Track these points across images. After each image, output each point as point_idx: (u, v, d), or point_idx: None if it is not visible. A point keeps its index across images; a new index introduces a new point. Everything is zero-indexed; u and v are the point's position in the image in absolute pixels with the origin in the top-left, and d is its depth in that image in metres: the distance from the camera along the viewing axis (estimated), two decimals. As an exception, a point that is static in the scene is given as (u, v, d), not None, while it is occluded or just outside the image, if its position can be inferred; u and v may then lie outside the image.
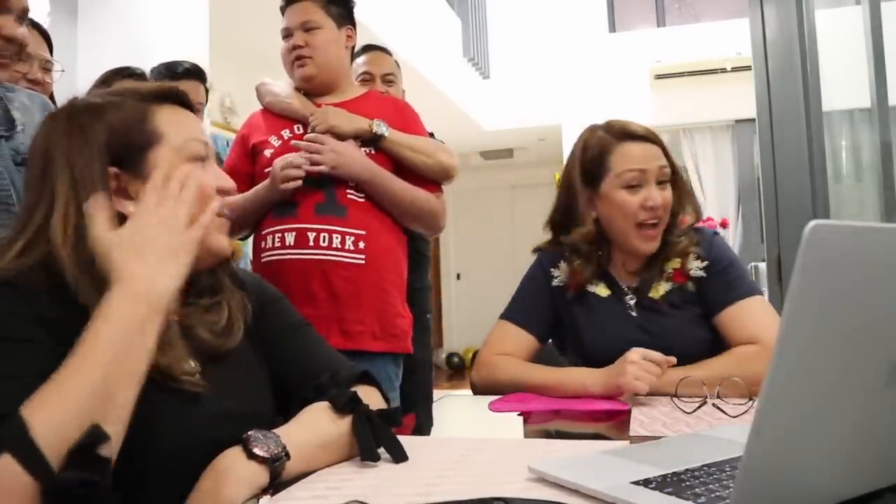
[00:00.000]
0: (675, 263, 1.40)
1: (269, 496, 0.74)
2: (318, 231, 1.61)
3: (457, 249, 9.13)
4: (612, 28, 6.93)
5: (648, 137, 1.41)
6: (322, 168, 1.62)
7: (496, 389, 1.38)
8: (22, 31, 1.35)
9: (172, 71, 2.27)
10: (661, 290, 1.40)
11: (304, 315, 1.57)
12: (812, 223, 0.48)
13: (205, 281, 0.93)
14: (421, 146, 1.75)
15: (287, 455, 0.77)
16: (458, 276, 9.22)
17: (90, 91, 0.97)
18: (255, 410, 0.91)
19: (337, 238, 1.61)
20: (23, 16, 1.36)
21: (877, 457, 0.62)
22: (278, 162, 1.64)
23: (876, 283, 0.54)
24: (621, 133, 1.41)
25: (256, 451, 0.75)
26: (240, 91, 4.68)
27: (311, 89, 1.77)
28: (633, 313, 1.41)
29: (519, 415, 1.24)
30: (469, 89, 6.45)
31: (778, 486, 0.54)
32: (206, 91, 2.35)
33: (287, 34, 1.75)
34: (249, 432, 0.77)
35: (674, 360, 1.21)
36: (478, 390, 1.43)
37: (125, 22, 3.12)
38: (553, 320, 1.48)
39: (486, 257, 8.98)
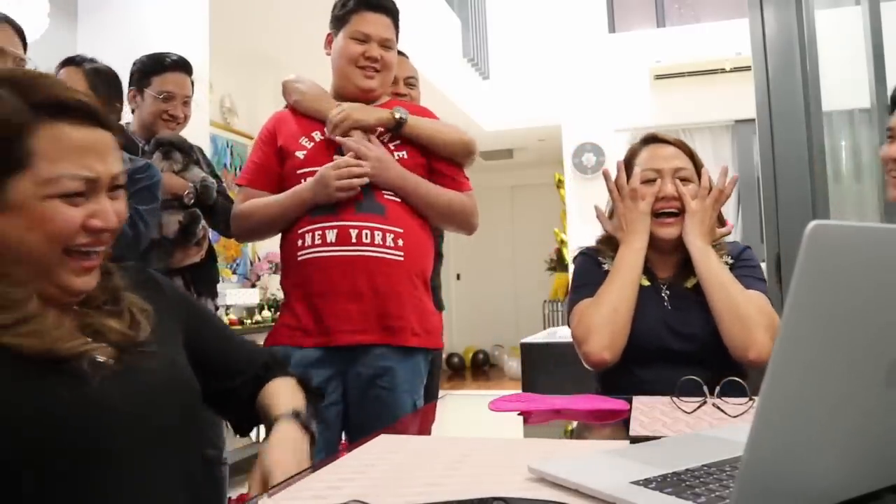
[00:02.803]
0: None
1: (267, 496, 0.75)
2: (360, 228, 1.63)
3: (457, 249, 9.12)
4: (612, 28, 6.92)
5: (670, 141, 1.57)
6: (365, 178, 1.66)
7: (611, 340, 1.42)
8: None
9: (159, 62, 2.20)
10: (692, 280, 1.51)
11: (349, 311, 1.64)
12: (812, 223, 0.48)
13: (102, 289, 0.90)
14: (440, 127, 1.79)
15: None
16: (458, 277, 9.21)
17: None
18: (178, 385, 0.92)
19: (378, 235, 1.64)
20: None
21: (877, 457, 0.62)
22: (331, 168, 1.65)
23: (876, 282, 0.54)
24: (647, 138, 1.60)
25: (313, 428, 0.97)
26: (240, 91, 4.68)
27: (362, 99, 1.79)
28: (667, 304, 1.51)
29: (519, 415, 1.24)
30: (469, 89, 6.45)
31: (778, 487, 0.54)
32: (192, 84, 2.32)
33: (364, 39, 1.75)
34: (299, 411, 0.98)
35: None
36: (605, 359, 1.43)
37: (125, 22, 3.13)
38: None
39: (485, 257, 8.97)
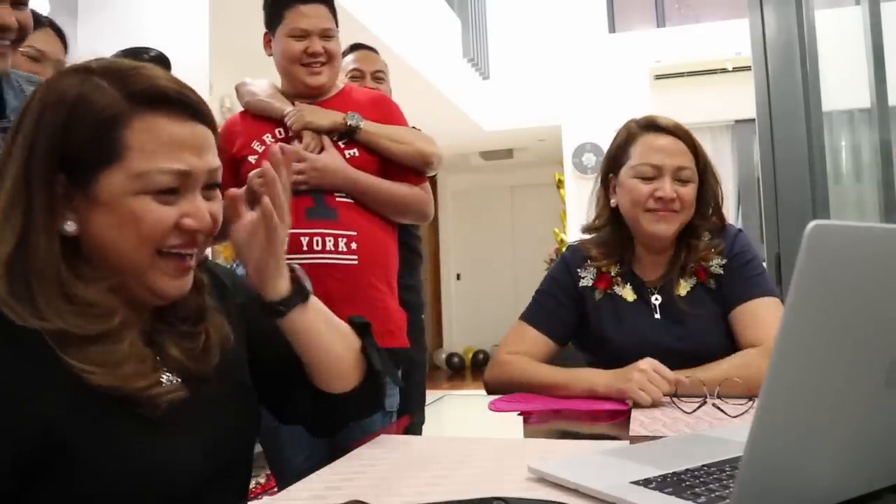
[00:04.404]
0: (697, 254, 1.40)
1: (268, 496, 0.75)
2: (311, 235, 1.61)
3: (457, 249, 9.13)
4: (612, 28, 6.92)
5: (673, 132, 1.40)
6: (302, 186, 1.63)
7: (507, 388, 1.38)
8: (21, 18, 1.33)
9: (137, 57, 2.18)
10: (684, 286, 1.39)
11: None
12: (812, 223, 0.48)
13: (186, 306, 0.84)
14: (397, 135, 1.75)
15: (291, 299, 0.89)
16: (458, 276, 9.21)
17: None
18: (227, 438, 0.85)
19: (330, 241, 1.62)
20: (18, 1, 1.31)
21: (877, 457, 0.62)
22: (253, 175, 1.66)
23: (876, 283, 0.54)
24: (647, 124, 1.43)
25: (306, 285, 0.90)
26: (240, 91, 4.67)
27: (312, 96, 1.77)
28: (657, 315, 1.39)
29: (519, 415, 1.24)
30: (469, 90, 6.45)
31: (778, 487, 0.54)
32: None
33: (303, 35, 1.71)
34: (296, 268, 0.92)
35: (684, 380, 1.20)
36: (490, 389, 1.43)
37: (125, 22, 3.12)
38: (575, 322, 1.46)
39: (485, 257, 8.97)
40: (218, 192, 0.83)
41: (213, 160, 0.81)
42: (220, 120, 4.71)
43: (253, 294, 0.92)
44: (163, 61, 2.22)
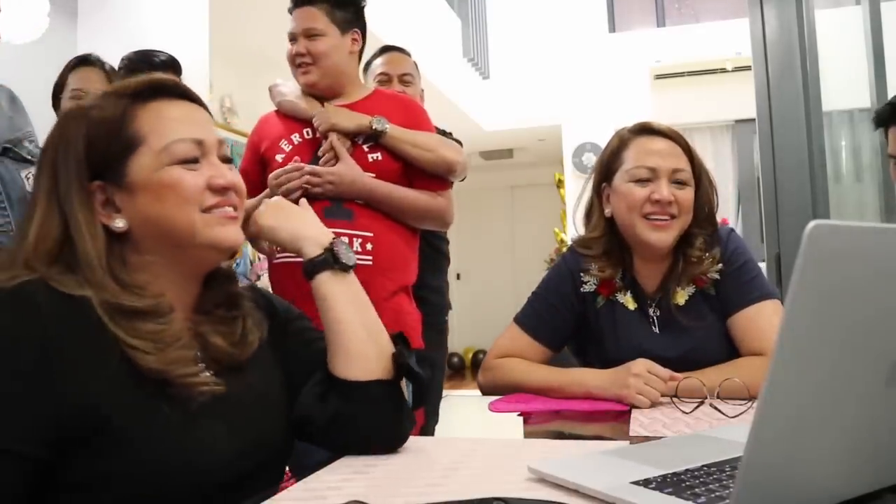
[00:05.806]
0: (695, 269, 1.36)
1: (269, 498, 0.75)
2: None
3: (457, 249, 8.98)
4: (612, 28, 6.92)
5: (667, 134, 1.37)
6: (319, 196, 1.65)
7: (502, 391, 1.39)
8: None
9: (148, 61, 2.14)
10: (683, 295, 1.36)
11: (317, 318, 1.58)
12: (812, 223, 0.48)
13: (220, 292, 0.90)
14: (422, 141, 1.75)
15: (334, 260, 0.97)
16: (458, 276, 9.21)
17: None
18: (261, 439, 0.87)
19: (345, 241, 1.63)
20: None
21: (877, 457, 0.62)
22: (272, 177, 1.68)
23: (876, 283, 0.54)
24: (639, 128, 1.40)
25: (342, 258, 0.97)
26: (240, 91, 4.68)
27: (317, 93, 1.79)
28: (655, 328, 1.37)
29: (519, 415, 1.24)
30: (469, 89, 6.44)
31: (778, 486, 0.54)
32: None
33: (292, 38, 1.77)
34: (340, 242, 0.99)
35: (679, 377, 1.20)
36: (485, 392, 1.43)
37: (125, 22, 3.12)
38: (571, 327, 1.44)
39: (485, 257, 8.97)
40: (233, 166, 0.91)
41: (216, 135, 0.90)
42: (219, 120, 4.73)
43: (293, 309, 1.04)
44: (173, 65, 2.22)
